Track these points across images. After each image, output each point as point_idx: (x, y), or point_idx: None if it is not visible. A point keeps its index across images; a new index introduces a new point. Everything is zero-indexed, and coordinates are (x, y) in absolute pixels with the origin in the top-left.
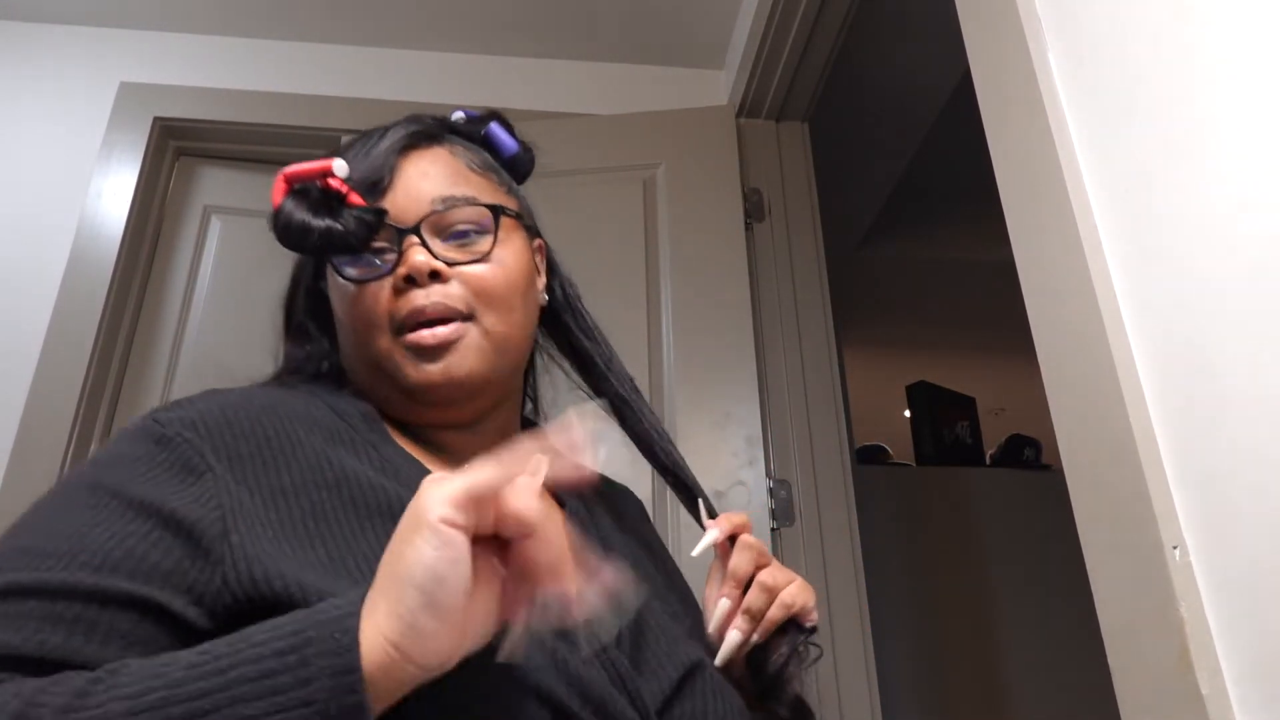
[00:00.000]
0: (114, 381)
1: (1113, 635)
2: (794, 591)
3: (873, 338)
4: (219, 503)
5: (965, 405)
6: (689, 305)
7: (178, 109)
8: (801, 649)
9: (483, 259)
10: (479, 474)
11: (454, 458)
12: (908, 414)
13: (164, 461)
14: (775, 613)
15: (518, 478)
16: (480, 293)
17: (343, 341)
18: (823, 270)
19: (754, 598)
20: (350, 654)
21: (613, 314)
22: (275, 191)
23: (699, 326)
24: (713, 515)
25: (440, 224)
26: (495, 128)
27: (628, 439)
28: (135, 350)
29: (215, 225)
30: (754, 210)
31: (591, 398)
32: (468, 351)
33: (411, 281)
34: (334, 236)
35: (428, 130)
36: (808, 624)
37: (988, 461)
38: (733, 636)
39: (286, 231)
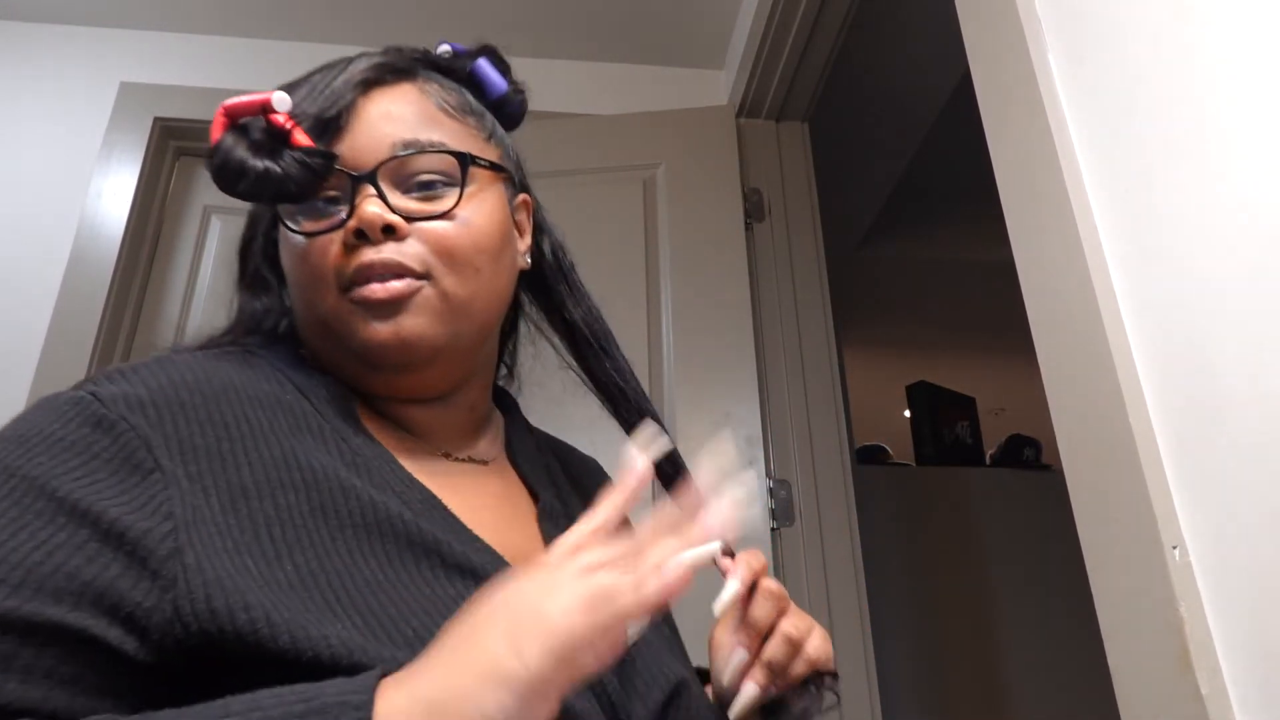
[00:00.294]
0: None
1: (1113, 635)
2: (817, 644)
3: (873, 338)
4: (169, 511)
5: (965, 405)
6: (689, 305)
7: (177, 109)
8: (820, 700)
9: (445, 215)
10: (623, 597)
11: (424, 438)
12: (908, 414)
13: (103, 452)
14: (799, 668)
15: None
16: (441, 252)
17: (293, 299)
18: (823, 270)
19: (776, 650)
20: None
21: (613, 314)
22: (214, 126)
23: (699, 326)
24: (730, 554)
25: (401, 172)
26: (483, 64)
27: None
28: (135, 350)
29: (215, 225)
30: (754, 210)
31: (581, 379)
32: (421, 311)
33: (363, 236)
34: (272, 181)
35: (397, 64)
36: (827, 673)
37: (988, 461)
38: (749, 690)
39: (221, 173)
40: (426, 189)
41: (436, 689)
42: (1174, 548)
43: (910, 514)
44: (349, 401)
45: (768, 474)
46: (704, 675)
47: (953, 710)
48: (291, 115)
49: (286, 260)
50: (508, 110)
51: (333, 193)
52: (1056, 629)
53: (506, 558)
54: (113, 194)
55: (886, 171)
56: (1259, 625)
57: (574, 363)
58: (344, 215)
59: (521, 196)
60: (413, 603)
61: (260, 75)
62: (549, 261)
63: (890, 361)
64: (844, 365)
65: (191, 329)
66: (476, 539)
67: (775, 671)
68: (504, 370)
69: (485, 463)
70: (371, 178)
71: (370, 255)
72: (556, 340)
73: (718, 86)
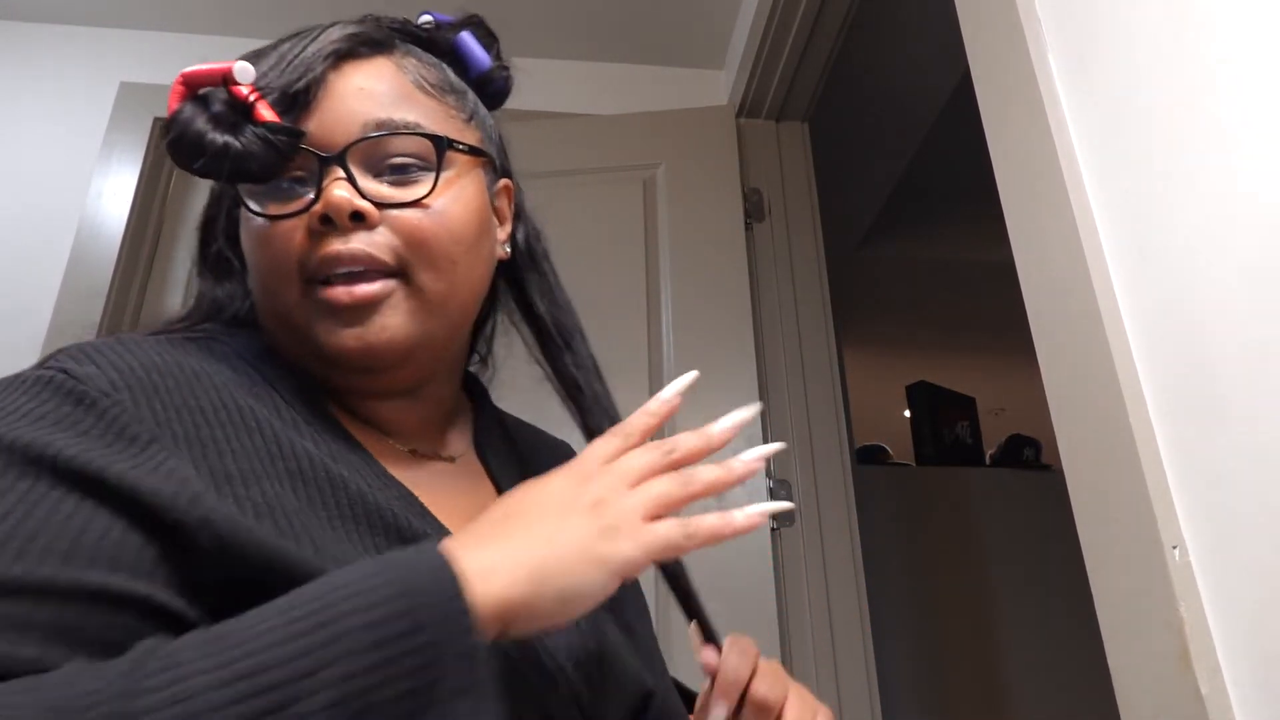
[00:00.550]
0: None
1: (1113, 635)
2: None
3: (873, 338)
4: (184, 476)
5: (965, 405)
6: (689, 305)
7: None
8: None
9: (419, 202)
10: (686, 533)
11: (391, 435)
12: (908, 414)
13: (92, 429)
14: None
15: None
16: (414, 243)
17: (254, 287)
18: (823, 270)
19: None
20: (468, 634)
21: (613, 314)
22: (172, 96)
23: (699, 326)
24: (711, 638)
25: (373, 154)
26: (466, 37)
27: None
28: None
29: None
30: (754, 210)
31: (545, 372)
32: (392, 314)
33: (330, 223)
34: (231, 158)
35: (372, 36)
36: None
37: (988, 461)
38: None
39: (178, 147)
40: (400, 173)
41: (534, 557)
42: (1174, 548)
43: (910, 514)
44: (320, 396)
45: (768, 474)
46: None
47: (953, 710)
48: (256, 87)
49: (247, 244)
50: (491, 88)
51: (298, 173)
52: (1056, 629)
53: None
54: (113, 194)
55: (886, 171)
56: (1259, 625)
57: (540, 356)
58: (310, 199)
59: (503, 182)
60: None
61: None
62: (522, 250)
63: (890, 361)
64: (844, 365)
65: None
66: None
67: None
68: (476, 358)
69: (453, 459)
70: (341, 159)
71: (337, 245)
72: (526, 332)
73: (718, 86)
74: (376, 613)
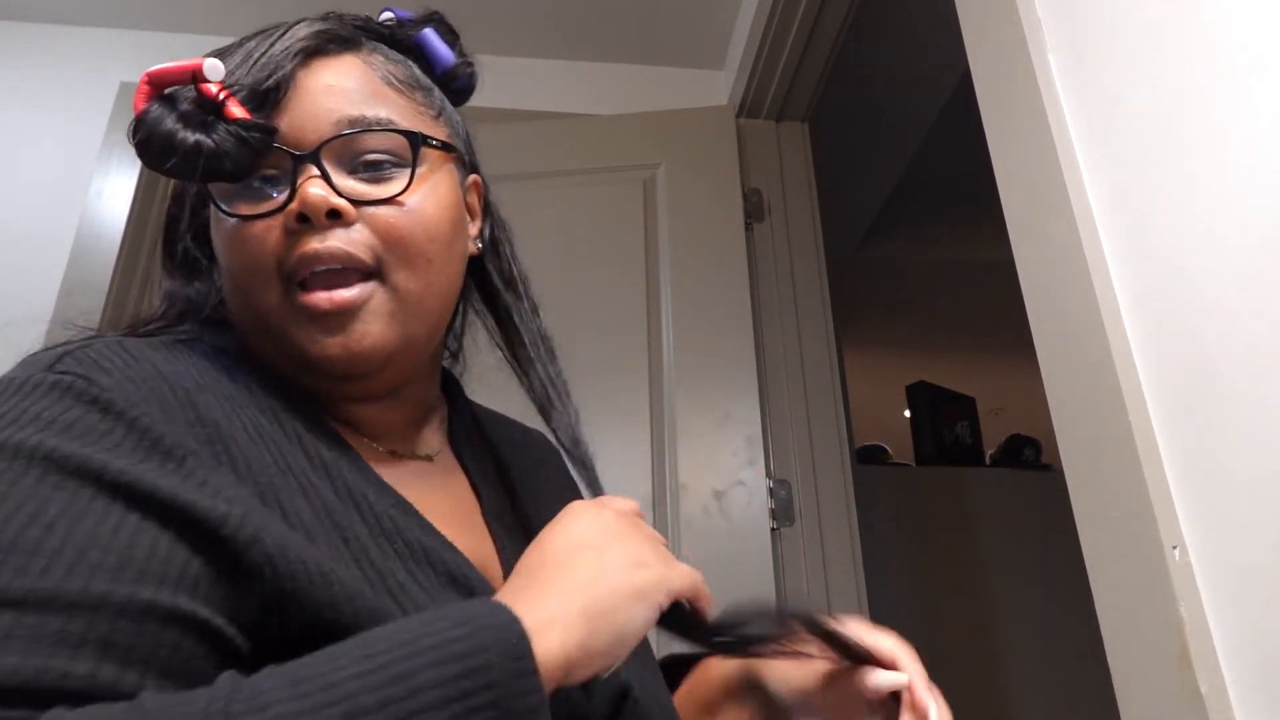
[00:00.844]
0: None
1: (1113, 635)
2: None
3: (873, 338)
4: (230, 495)
5: (965, 405)
6: (689, 305)
7: None
8: None
9: (395, 199)
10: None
11: (371, 437)
12: (908, 414)
13: (124, 439)
14: None
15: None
16: (391, 241)
17: (227, 290)
18: (823, 270)
19: None
20: (533, 684)
21: (613, 314)
22: (138, 96)
23: (699, 326)
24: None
25: (346, 151)
26: (429, 34)
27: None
28: None
29: None
30: (754, 210)
31: (509, 361)
32: (373, 320)
33: (306, 221)
34: (204, 156)
35: (339, 33)
36: None
37: (988, 461)
38: None
39: (146, 148)
40: (374, 169)
41: (584, 601)
42: (1174, 548)
43: (910, 514)
44: (310, 404)
45: (768, 474)
46: (675, 667)
47: (952, 710)
48: (225, 85)
49: (220, 245)
50: (456, 85)
51: (270, 172)
52: (1056, 629)
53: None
54: (113, 194)
55: (886, 171)
56: (1259, 625)
57: (501, 340)
58: (284, 198)
59: (472, 177)
60: (419, 608)
61: None
62: (487, 244)
63: (890, 361)
64: (844, 365)
65: None
66: (455, 550)
67: None
68: (447, 354)
69: (430, 458)
70: (315, 157)
71: (315, 244)
72: (490, 321)
73: (718, 86)
74: (451, 669)
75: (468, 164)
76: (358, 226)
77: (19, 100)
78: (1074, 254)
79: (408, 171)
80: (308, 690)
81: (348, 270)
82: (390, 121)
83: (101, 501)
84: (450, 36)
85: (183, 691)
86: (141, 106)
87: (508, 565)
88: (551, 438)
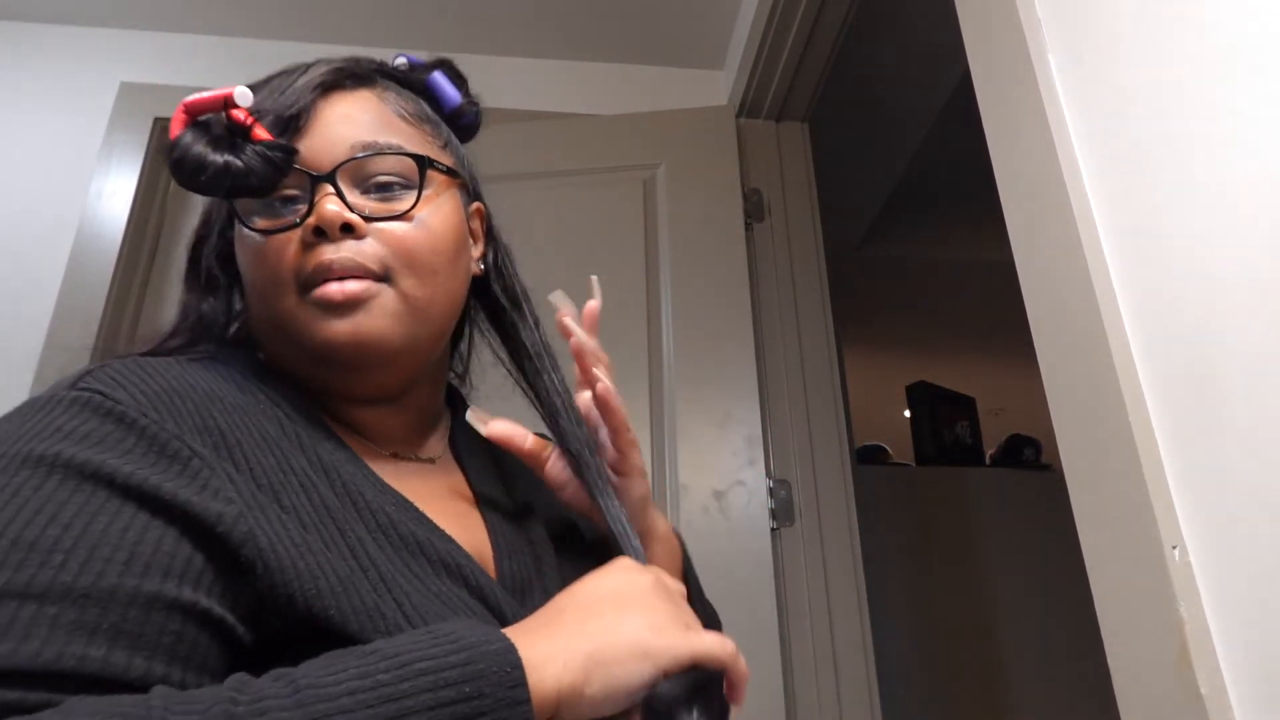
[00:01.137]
0: None
1: (1113, 635)
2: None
3: (873, 338)
4: (229, 496)
5: (965, 405)
6: (689, 305)
7: None
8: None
9: (403, 216)
10: (729, 650)
11: (374, 440)
12: (908, 414)
13: (135, 447)
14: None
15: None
16: (399, 253)
17: (250, 301)
18: (823, 270)
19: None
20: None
21: (613, 314)
22: (174, 123)
23: (699, 326)
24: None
25: (359, 173)
26: (438, 77)
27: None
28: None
29: None
30: (754, 210)
31: (517, 381)
32: (380, 312)
33: (322, 235)
34: (233, 175)
35: (356, 71)
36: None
37: (988, 461)
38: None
39: (180, 167)
40: (384, 190)
41: (588, 647)
42: (1174, 548)
43: (910, 514)
44: (315, 409)
45: (768, 474)
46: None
47: (953, 710)
48: (251, 112)
49: (243, 260)
50: (462, 122)
51: (291, 192)
52: (1056, 629)
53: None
54: (113, 194)
55: (886, 171)
56: (1259, 625)
57: (507, 358)
58: (303, 214)
59: (475, 205)
60: (419, 600)
61: (260, 76)
62: (492, 269)
63: (890, 361)
64: (844, 365)
65: None
66: (451, 540)
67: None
68: (453, 375)
69: (432, 461)
70: (331, 177)
71: (329, 254)
72: (495, 340)
73: (718, 86)
74: (445, 693)
75: (471, 191)
76: (369, 240)
77: (19, 100)
78: (1074, 254)
79: (415, 192)
80: (305, 700)
81: (359, 275)
82: (400, 147)
83: (114, 503)
84: (458, 80)
85: (190, 676)
86: (176, 133)
87: (502, 559)
88: (557, 444)
